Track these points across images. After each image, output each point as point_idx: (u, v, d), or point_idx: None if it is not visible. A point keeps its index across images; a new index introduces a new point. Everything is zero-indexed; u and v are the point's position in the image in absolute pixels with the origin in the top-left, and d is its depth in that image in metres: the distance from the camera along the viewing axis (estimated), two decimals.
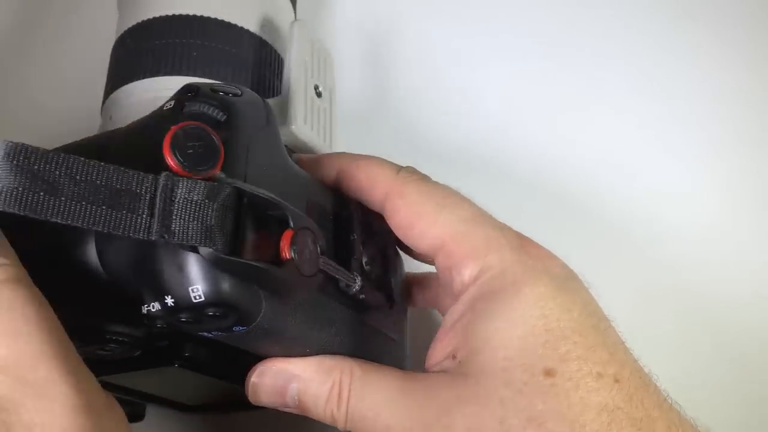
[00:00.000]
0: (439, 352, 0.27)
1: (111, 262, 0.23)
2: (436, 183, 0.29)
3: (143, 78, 0.31)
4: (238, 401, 0.30)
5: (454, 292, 0.27)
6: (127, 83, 0.31)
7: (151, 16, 0.32)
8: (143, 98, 0.30)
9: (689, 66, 0.47)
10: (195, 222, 0.21)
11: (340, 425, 0.26)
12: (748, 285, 0.41)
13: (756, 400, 0.37)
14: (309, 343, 0.26)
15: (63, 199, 0.20)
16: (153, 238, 0.21)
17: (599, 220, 0.42)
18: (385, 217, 0.29)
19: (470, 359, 0.25)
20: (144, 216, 0.20)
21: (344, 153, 0.31)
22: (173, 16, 0.31)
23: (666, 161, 0.44)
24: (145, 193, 0.21)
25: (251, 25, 0.33)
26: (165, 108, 0.24)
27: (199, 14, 0.31)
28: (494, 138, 0.44)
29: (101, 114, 0.33)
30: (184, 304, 0.22)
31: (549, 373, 0.24)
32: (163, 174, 0.21)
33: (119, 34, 0.33)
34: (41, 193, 0.19)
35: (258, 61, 0.32)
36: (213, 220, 0.21)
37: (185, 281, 0.21)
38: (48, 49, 0.45)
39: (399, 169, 0.29)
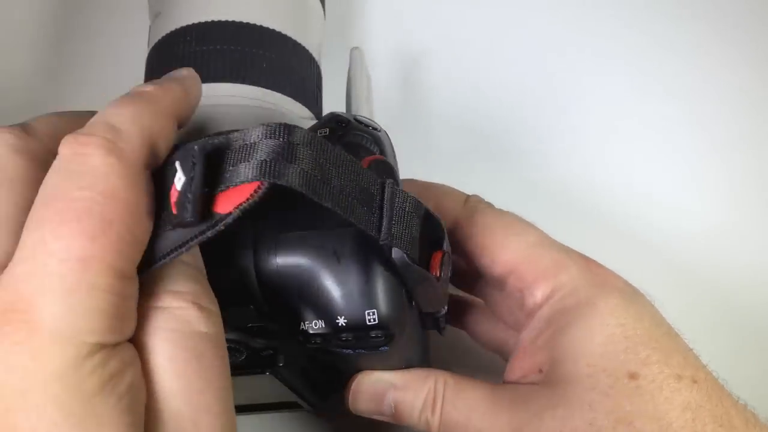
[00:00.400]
0: (521, 368, 0.29)
1: (271, 276, 0.23)
2: (501, 210, 0.31)
3: (212, 82, 0.29)
4: (271, 403, 0.31)
5: (526, 312, 0.30)
6: None
7: (210, 19, 0.31)
8: (223, 102, 0.29)
9: (690, 66, 0.48)
10: (406, 230, 0.22)
11: (434, 431, 0.28)
12: (753, 285, 0.41)
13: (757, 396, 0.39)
14: (405, 359, 0.28)
15: (331, 186, 0.20)
16: (381, 239, 0.21)
17: (600, 219, 0.43)
18: (454, 244, 0.30)
19: (555, 369, 0.27)
20: (375, 215, 0.21)
21: (413, 180, 0.32)
22: (241, 23, 0.31)
23: (667, 160, 0.45)
24: (376, 193, 0.22)
25: (305, 40, 0.33)
26: (320, 134, 0.25)
27: (266, 26, 0.31)
28: (494, 139, 0.45)
29: None
30: (356, 325, 0.23)
31: (633, 376, 0.26)
32: (389, 181, 0.22)
33: (169, 32, 0.31)
34: (320, 178, 0.20)
35: (311, 78, 0.33)
36: (413, 230, 0.23)
37: (364, 304, 0.23)
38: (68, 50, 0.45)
39: (466, 197, 0.31)
